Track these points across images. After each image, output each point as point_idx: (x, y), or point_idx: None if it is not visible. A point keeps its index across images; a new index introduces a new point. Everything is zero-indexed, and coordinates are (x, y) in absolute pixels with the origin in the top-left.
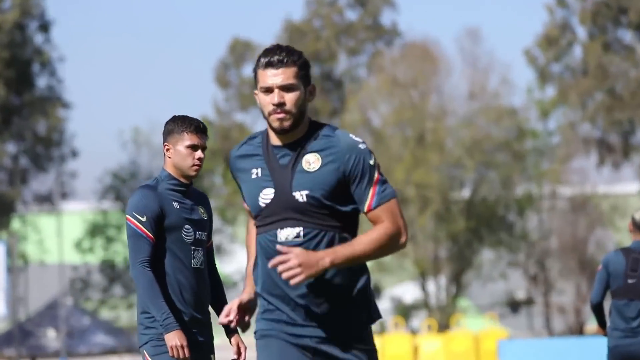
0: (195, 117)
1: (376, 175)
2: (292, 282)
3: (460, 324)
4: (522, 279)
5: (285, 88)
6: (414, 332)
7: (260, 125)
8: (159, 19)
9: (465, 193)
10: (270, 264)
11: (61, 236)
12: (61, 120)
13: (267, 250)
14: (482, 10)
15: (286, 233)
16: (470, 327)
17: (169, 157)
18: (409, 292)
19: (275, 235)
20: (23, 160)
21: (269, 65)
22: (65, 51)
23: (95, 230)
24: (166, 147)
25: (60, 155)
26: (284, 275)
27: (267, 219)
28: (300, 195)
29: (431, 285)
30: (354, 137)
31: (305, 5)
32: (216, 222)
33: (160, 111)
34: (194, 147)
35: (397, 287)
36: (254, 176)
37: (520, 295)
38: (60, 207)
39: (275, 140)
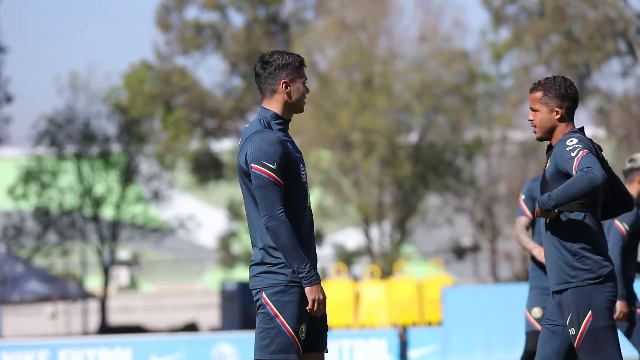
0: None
1: None
2: None
3: (404, 270)
4: (468, 225)
5: None
6: (356, 279)
7: (202, 70)
8: None
9: (413, 138)
10: None
11: None
12: None
13: None
14: None
15: None
16: (414, 274)
17: (286, 95)
18: (352, 238)
19: None
20: None
21: None
22: None
23: (29, 176)
24: (284, 83)
25: None
26: None
27: None
28: None
29: (374, 232)
30: None
31: None
32: (154, 168)
33: (99, 55)
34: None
35: (339, 233)
36: None
37: (466, 241)
38: None
39: None
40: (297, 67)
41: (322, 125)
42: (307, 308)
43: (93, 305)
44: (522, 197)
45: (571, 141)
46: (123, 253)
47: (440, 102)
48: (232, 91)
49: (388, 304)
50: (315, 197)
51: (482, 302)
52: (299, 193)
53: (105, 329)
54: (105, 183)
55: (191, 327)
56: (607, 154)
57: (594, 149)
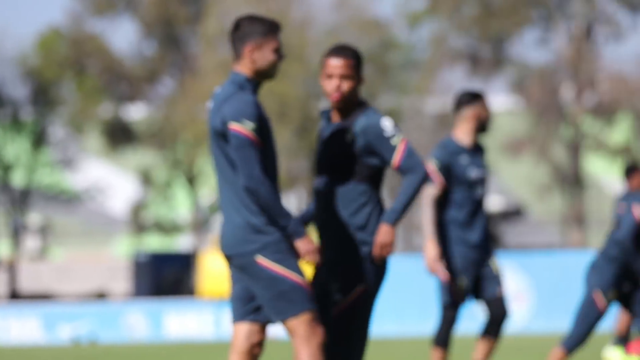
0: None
1: None
2: None
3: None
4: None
5: None
6: None
7: (115, 34)
8: None
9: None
10: None
11: None
12: None
13: None
14: None
15: None
16: None
17: (252, 60)
18: None
19: None
20: None
21: None
22: None
23: None
24: (249, 50)
25: None
26: None
27: None
28: None
29: (290, 200)
30: None
31: None
32: (66, 132)
33: (7, 17)
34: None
35: None
36: None
37: None
38: None
39: None
40: (265, 33)
41: None
42: (303, 261)
43: (2, 272)
44: (435, 162)
45: (385, 124)
46: (33, 219)
47: None
48: (145, 56)
49: None
50: None
51: (395, 273)
52: (272, 155)
53: (14, 295)
54: (17, 147)
55: (100, 295)
56: (524, 125)
57: None
